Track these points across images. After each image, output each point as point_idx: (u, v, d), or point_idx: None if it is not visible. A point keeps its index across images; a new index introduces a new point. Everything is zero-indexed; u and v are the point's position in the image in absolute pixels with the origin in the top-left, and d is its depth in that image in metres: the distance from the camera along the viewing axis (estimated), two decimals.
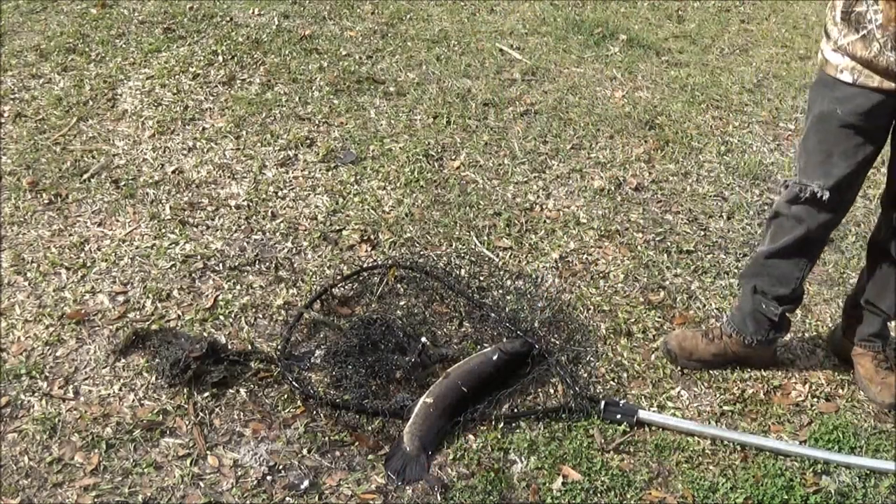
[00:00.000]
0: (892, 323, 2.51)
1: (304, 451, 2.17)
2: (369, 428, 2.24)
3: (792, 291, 2.37)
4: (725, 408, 2.43)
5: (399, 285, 2.73)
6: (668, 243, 3.06)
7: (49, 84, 3.72)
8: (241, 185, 3.17)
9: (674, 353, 2.52)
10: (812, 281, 2.95)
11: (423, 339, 2.44)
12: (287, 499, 2.05)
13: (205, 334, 2.48)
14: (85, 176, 3.14)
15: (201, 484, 2.07)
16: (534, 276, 2.84)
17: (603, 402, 2.32)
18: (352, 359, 2.38)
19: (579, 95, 4.00)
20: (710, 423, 2.36)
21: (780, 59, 4.63)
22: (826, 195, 2.14)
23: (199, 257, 2.79)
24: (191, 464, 2.11)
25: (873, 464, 2.26)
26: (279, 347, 2.44)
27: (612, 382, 2.47)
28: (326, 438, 2.20)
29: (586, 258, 2.96)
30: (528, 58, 4.30)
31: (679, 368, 2.51)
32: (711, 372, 2.53)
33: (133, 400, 2.27)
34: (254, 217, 3.01)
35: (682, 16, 5.07)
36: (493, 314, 2.60)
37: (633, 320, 2.69)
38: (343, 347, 2.42)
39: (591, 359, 2.54)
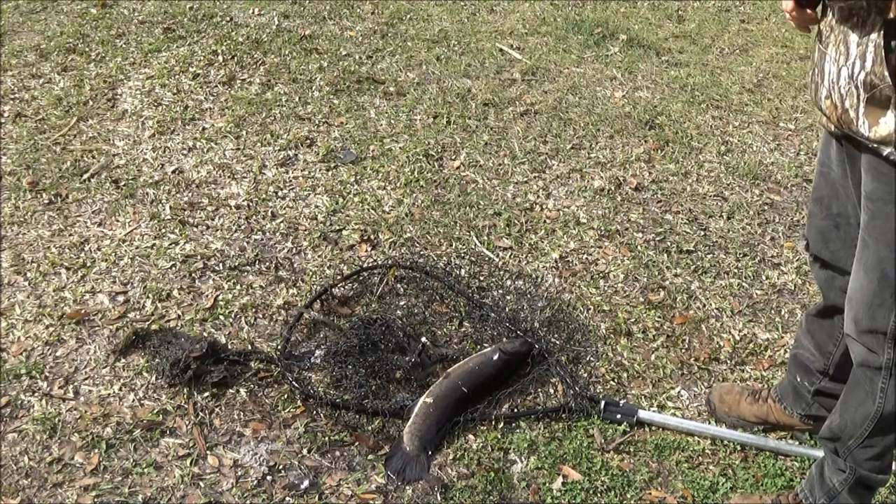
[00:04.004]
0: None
1: (304, 451, 2.17)
2: (369, 428, 2.24)
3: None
4: None
5: (399, 285, 2.73)
6: (668, 243, 3.06)
7: (49, 84, 3.72)
8: (241, 185, 3.17)
9: (713, 405, 2.38)
10: (812, 281, 2.95)
11: (423, 339, 2.44)
12: (287, 499, 2.05)
13: (205, 334, 2.48)
14: (85, 176, 3.14)
15: (201, 484, 2.07)
16: (534, 276, 2.84)
17: (603, 402, 2.32)
18: (352, 359, 2.38)
19: (579, 95, 4.00)
20: (709, 423, 2.36)
21: (780, 59, 4.63)
22: None
23: (199, 257, 2.79)
24: (191, 464, 2.11)
25: None
26: (279, 347, 2.44)
27: (612, 382, 2.47)
28: (326, 438, 2.20)
29: (586, 258, 2.96)
30: (528, 58, 4.30)
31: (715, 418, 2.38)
32: (711, 371, 2.53)
33: (133, 400, 2.27)
34: (254, 217, 3.01)
35: (682, 16, 5.06)
36: (493, 314, 2.60)
37: (633, 320, 2.69)
38: (343, 347, 2.42)
39: (591, 359, 2.54)
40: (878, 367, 1.79)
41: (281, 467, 2.12)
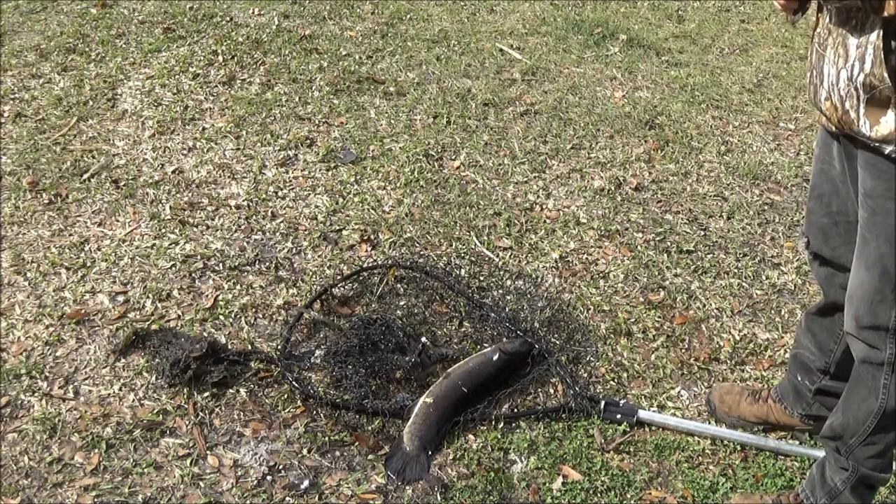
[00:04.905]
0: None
1: (304, 451, 2.17)
2: (369, 428, 2.24)
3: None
4: None
5: (399, 285, 2.73)
6: (668, 243, 3.06)
7: (49, 84, 3.72)
8: (241, 185, 3.17)
9: (713, 405, 2.37)
10: (812, 281, 2.95)
11: (423, 339, 2.44)
12: (287, 499, 2.05)
13: (205, 334, 2.48)
14: (85, 176, 3.14)
15: (201, 484, 2.07)
16: (534, 276, 2.84)
17: (603, 402, 2.32)
18: (352, 359, 2.38)
19: (579, 95, 4.00)
20: (709, 423, 2.36)
21: (780, 59, 4.63)
22: None
23: (199, 257, 2.79)
24: (191, 464, 2.11)
25: None
26: (279, 347, 2.44)
27: (612, 382, 2.47)
28: (326, 438, 2.20)
29: (586, 258, 2.96)
30: (528, 58, 4.30)
31: (713, 415, 2.38)
32: (711, 371, 2.53)
33: (133, 400, 2.27)
34: (254, 217, 3.01)
35: (682, 16, 5.06)
36: (493, 314, 2.60)
37: (633, 320, 2.69)
38: (343, 347, 2.42)
39: (591, 359, 2.54)
40: (881, 364, 1.79)
41: (281, 467, 2.12)
